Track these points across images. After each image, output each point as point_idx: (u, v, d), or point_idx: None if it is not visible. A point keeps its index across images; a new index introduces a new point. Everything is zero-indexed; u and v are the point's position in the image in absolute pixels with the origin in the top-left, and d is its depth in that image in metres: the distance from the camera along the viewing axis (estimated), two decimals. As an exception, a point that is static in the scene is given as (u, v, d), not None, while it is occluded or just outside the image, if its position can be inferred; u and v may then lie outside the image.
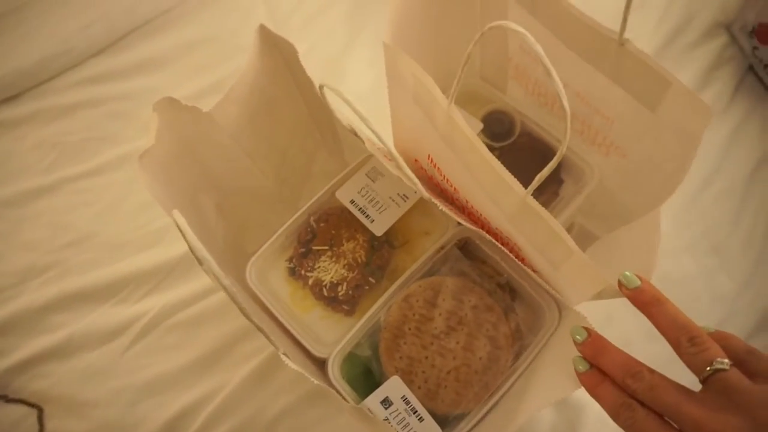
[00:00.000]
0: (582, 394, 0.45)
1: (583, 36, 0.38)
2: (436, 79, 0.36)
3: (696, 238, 0.59)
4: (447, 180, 0.43)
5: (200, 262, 0.28)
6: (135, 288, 0.62)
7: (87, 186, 0.68)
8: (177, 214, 0.28)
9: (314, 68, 0.40)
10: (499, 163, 0.34)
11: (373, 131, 0.32)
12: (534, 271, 0.43)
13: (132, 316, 0.61)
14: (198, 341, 0.59)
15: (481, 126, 0.51)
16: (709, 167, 0.61)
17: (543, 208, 0.33)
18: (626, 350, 0.53)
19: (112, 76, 0.75)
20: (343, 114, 0.40)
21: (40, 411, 0.58)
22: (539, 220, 0.33)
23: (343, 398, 0.39)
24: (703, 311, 0.56)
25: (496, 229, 0.42)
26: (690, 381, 0.31)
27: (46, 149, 0.71)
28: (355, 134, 0.40)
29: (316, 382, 0.33)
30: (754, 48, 0.64)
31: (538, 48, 0.29)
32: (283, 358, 0.33)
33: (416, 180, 0.33)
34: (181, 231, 0.27)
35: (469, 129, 0.35)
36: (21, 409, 0.58)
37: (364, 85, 0.71)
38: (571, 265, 0.33)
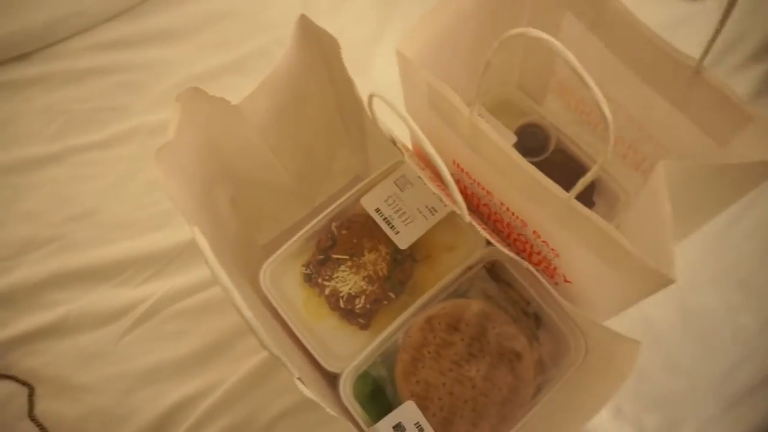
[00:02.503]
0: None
1: (652, 59, 0.35)
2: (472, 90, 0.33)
3: (722, 271, 0.57)
4: (478, 183, 0.40)
5: (225, 290, 0.25)
6: (137, 271, 0.60)
7: (94, 158, 0.65)
8: (198, 233, 0.26)
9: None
10: (534, 167, 0.32)
11: (432, 154, 0.29)
12: (566, 281, 0.41)
13: (132, 299, 0.58)
14: (199, 332, 0.57)
15: (514, 139, 0.49)
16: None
17: (591, 212, 0.31)
18: (640, 381, 0.52)
19: (126, 44, 0.71)
20: (383, 122, 0.38)
21: (32, 390, 0.56)
22: (589, 223, 0.31)
23: (356, 423, 0.37)
24: (722, 347, 0.54)
25: (533, 232, 0.40)
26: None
27: (54, 115, 0.67)
28: (394, 144, 0.37)
29: (332, 413, 0.31)
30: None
31: (569, 55, 0.27)
32: (298, 384, 0.31)
33: (464, 206, 0.31)
34: (204, 255, 0.25)
35: (496, 134, 0.33)
36: (11, 386, 0.56)
37: (390, 77, 0.67)
38: (628, 264, 0.31)
